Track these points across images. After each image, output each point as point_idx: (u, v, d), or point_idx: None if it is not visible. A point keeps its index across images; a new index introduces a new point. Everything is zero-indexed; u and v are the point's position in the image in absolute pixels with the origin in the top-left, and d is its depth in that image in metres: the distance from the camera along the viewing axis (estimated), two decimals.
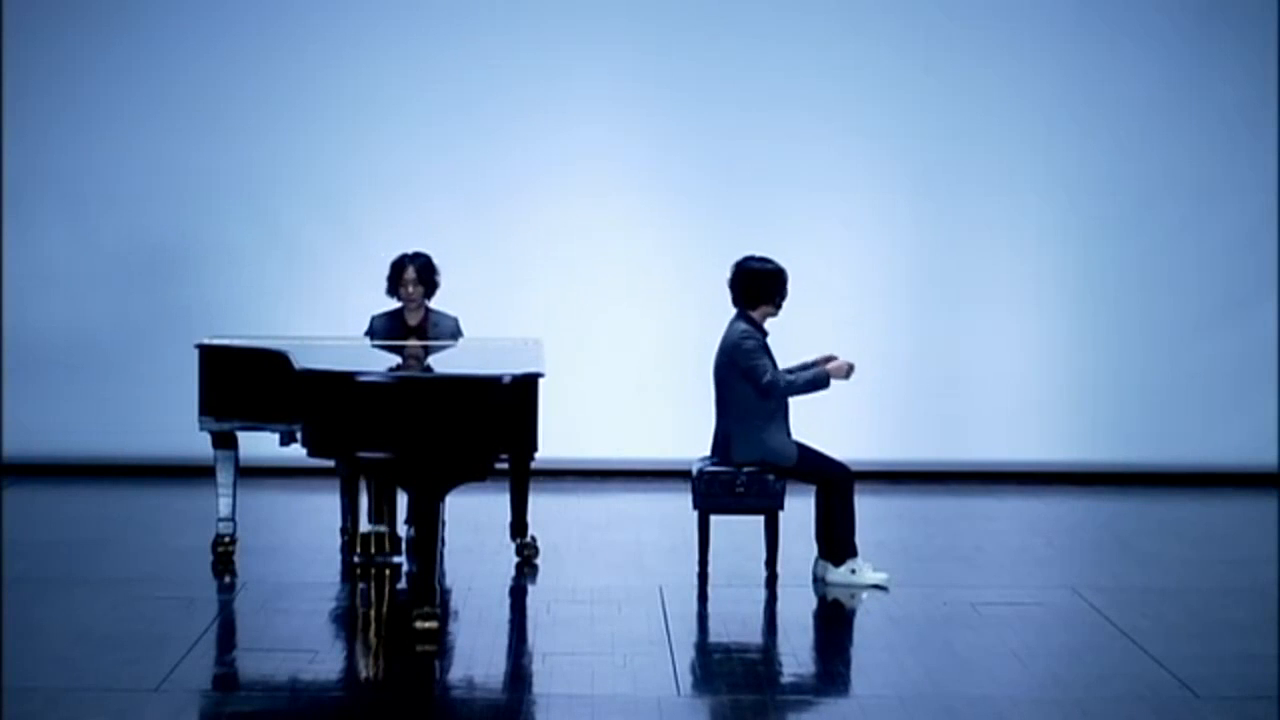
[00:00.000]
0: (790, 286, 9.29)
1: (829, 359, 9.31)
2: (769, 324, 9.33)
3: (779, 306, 9.28)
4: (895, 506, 11.45)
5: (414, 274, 9.84)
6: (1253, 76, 12.33)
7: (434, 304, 10.02)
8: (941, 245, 12.35)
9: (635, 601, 8.93)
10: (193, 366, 9.53)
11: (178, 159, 12.24)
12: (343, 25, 12.26)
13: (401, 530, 9.35)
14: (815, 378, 9.21)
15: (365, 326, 10.05)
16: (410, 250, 9.97)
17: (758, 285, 9.26)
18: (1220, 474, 12.33)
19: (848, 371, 9.28)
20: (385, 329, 9.94)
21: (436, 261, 9.97)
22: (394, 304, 10.00)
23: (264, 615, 8.66)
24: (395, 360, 9.42)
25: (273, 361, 8.95)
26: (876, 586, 9.17)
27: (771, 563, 9.44)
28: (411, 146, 12.24)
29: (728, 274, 9.36)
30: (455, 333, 9.97)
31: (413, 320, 9.94)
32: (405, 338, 9.91)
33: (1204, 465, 12.38)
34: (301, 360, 8.53)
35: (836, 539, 9.23)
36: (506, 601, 9.12)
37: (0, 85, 12.18)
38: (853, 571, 9.22)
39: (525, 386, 8.19)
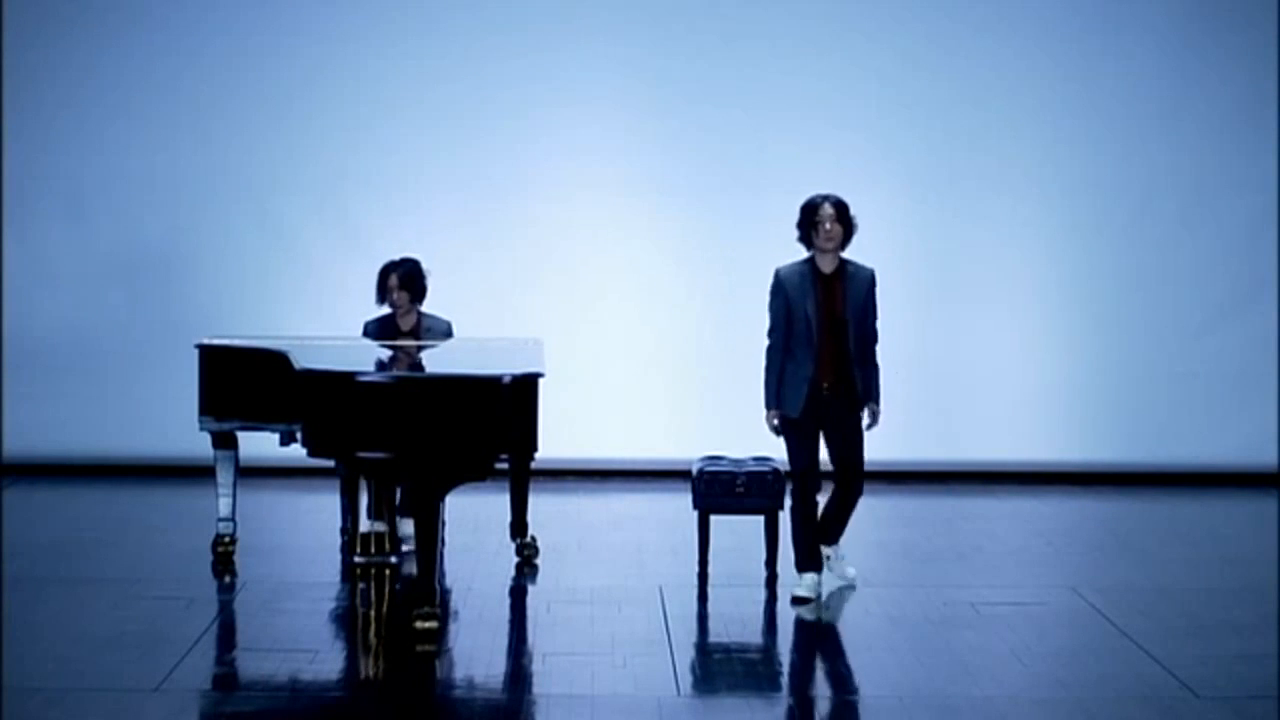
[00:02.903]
0: (816, 216, 8.85)
1: (773, 413, 8.91)
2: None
3: (809, 242, 8.89)
4: (895, 506, 11.45)
5: (397, 281, 9.88)
6: (1253, 76, 12.33)
7: (429, 306, 10.02)
8: (941, 245, 12.35)
9: (635, 601, 8.93)
10: (193, 366, 9.54)
11: (178, 159, 12.24)
12: (343, 25, 12.25)
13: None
14: (766, 398, 8.90)
15: (360, 331, 10.06)
16: (398, 257, 9.99)
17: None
18: (1220, 474, 12.33)
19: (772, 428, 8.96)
20: (378, 334, 9.95)
21: (426, 266, 9.97)
22: (386, 309, 10.03)
23: (264, 615, 8.66)
24: (385, 356, 9.42)
25: (273, 361, 8.95)
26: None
27: (771, 563, 9.44)
28: (411, 146, 12.24)
29: None
30: (448, 336, 9.97)
31: (405, 326, 9.95)
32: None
33: (1204, 465, 12.37)
34: (301, 360, 8.53)
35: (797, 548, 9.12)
36: (506, 601, 9.12)
37: (0, 85, 12.18)
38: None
39: (525, 386, 8.19)
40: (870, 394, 8.97)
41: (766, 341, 8.95)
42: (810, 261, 8.95)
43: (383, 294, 9.96)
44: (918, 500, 11.74)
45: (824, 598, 9.04)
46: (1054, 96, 12.36)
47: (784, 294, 8.89)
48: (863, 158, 12.19)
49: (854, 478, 9.04)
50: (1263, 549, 10.32)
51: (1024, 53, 12.33)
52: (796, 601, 8.92)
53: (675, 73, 12.30)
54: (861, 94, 12.33)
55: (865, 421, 9.00)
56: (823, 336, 8.86)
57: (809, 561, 9.00)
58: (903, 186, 12.26)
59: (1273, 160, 12.32)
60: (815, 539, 9.02)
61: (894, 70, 12.32)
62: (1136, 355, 12.41)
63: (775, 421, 8.91)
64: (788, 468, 9.22)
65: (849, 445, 8.97)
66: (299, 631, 8.37)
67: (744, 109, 12.31)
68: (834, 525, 9.16)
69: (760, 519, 9.49)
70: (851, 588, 9.18)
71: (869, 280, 8.99)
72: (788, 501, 9.21)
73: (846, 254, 8.99)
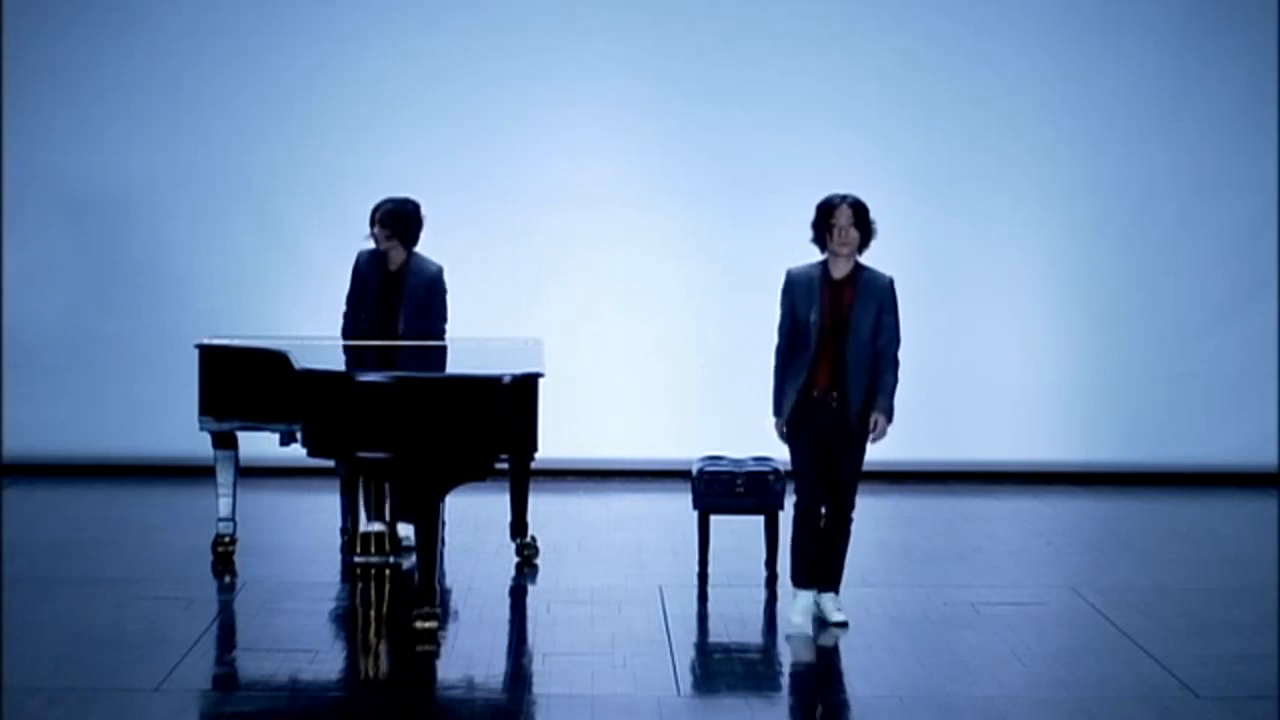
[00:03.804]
0: (831, 218, 8.32)
1: (787, 424, 8.42)
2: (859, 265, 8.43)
3: (823, 243, 8.38)
4: (895, 506, 11.45)
5: (378, 218, 9.83)
6: (1253, 76, 12.33)
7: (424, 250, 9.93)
8: (941, 245, 12.34)
9: (635, 601, 8.93)
10: (192, 366, 9.54)
11: (178, 159, 12.24)
12: (343, 25, 12.25)
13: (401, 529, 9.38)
14: (774, 405, 8.43)
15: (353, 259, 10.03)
16: (397, 196, 9.92)
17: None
18: (1220, 474, 12.33)
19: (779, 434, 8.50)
20: (368, 267, 9.89)
21: (424, 211, 9.84)
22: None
23: (264, 615, 8.66)
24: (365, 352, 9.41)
25: (273, 361, 8.95)
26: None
27: (771, 563, 9.44)
28: (411, 147, 12.23)
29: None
30: (434, 281, 9.82)
31: (393, 264, 9.85)
32: (385, 280, 9.84)
33: (1204, 465, 12.37)
34: (301, 360, 8.53)
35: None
36: (506, 601, 9.12)
37: (0, 85, 12.18)
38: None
39: (525, 386, 8.19)
40: (881, 405, 8.33)
41: (777, 341, 8.49)
42: (823, 265, 8.42)
43: (371, 230, 9.93)
44: (918, 500, 11.74)
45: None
46: (1054, 96, 12.36)
47: (791, 296, 8.43)
48: (863, 158, 12.18)
49: (840, 505, 8.46)
50: (1263, 549, 10.32)
51: (1024, 53, 12.33)
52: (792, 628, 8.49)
53: (675, 73, 12.30)
54: (861, 94, 12.33)
55: (870, 429, 8.35)
56: (821, 344, 8.33)
57: (805, 577, 8.52)
58: (903, 186, 12.25)
59: (1273, 160, 12.32)
60: (813, 553, 8.49)
61: (894, 70, 12.32)
62: (1136, 355, 12.41)
63: (783, 429, 8.46)
64: (789, 468, 9.12)
65: (841, 469, 8.42)
66: (299, 631, 8.37)
67: (744, 109, 12.31)
68: (824, 563, 8.51)
69: (760, 519, 9.48)
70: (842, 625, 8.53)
71: (884, 289, 8.37)
72: (788, 502, 9.14)
73: (865, 259, 8.43)
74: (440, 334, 9.80)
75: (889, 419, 8.40)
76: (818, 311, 8.35)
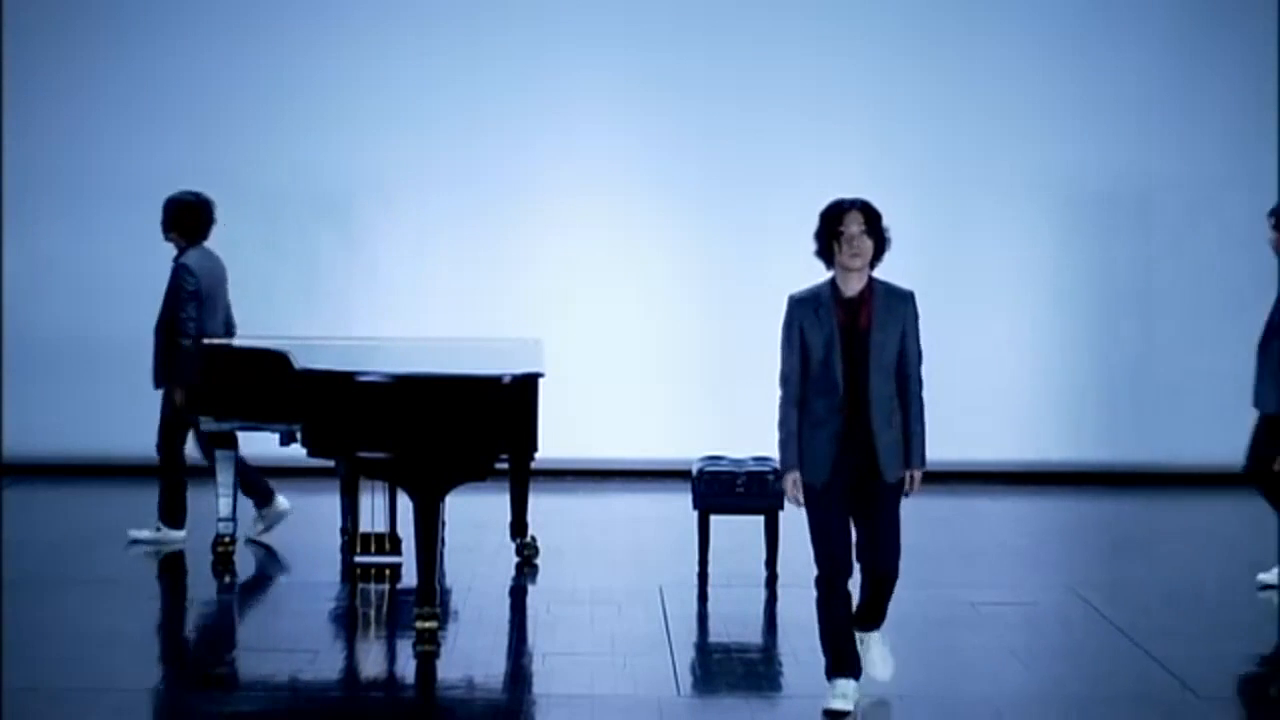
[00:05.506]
0: (839, 226, 7.13)
1: (793, 478, 7.15)
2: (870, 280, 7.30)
3: (830, 257, 7.15)
4: None
5: None
6: (1253, 76, 12.34)
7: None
8: (940, 245, 12.33)
9: (635, 601, 8.93)
10: None
11: (178, 158, 12.21)
12: (343, 26, 12.25)
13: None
14: (783, 459, 7.18)
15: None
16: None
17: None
18: (1220, 474, 12.31)
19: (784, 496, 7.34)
20: None
21: (193, 202, 10.09)
22: None
23: (264, 615, 8.66)
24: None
25: (273, 361, 8.95)
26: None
27: (771, 563, 9.44)
28: (412, 147, 12.23)
29: None
30: (171, 276, 10.00)
31: None
32: None
33: (1203, 465, 12.36)
34: (301, 360, 8.53)
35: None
36: (506, 601, 9.12)
37: (0, 85, 12.18)
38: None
39: (525, 386, 8.19)
40: (913, 453, 7.39)
41: (780, 388, 7.18)
42: (831, 283, 7.16)
43: None
44: (918, 500, 11.67)
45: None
46: (1053, 96, 12.35)
47: (798, 328, 7.10)
48: (863, 158, 12.18)
49: (884, 574, 7.19)
50: (1262, 549, 10.32)
51: (1024, 53, 12.34)
52: (831, 715, 7.19)
53: (675, 73, 12.30)
54: (862, 94, 12.33)
55: (906, 485, 7.36)
56: (849, 378, 7.16)
57: (842, 664, 7.23)
58: (903, 186, 12.23)
59: (1273, 160, 12.32)
60: (850, 634, 7.26)
61: (894, 70, 12.32)
62: (1135, 355, 12.41)
63: (798, 489, 7.14)
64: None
65: (881, 525, 7.24)
66: (299, 631, 8.38)
67: (744, 109, 12.31)
68: (868, 611, 7.33)
69: (760, 519, 9.48)
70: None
71: (906, 307, 7.34)
72: (788, 505, 7.93)
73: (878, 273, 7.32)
74: (182, 331, 9.82)
75: (922, 467, 7.39)
76: (836, 338, 7.12)
